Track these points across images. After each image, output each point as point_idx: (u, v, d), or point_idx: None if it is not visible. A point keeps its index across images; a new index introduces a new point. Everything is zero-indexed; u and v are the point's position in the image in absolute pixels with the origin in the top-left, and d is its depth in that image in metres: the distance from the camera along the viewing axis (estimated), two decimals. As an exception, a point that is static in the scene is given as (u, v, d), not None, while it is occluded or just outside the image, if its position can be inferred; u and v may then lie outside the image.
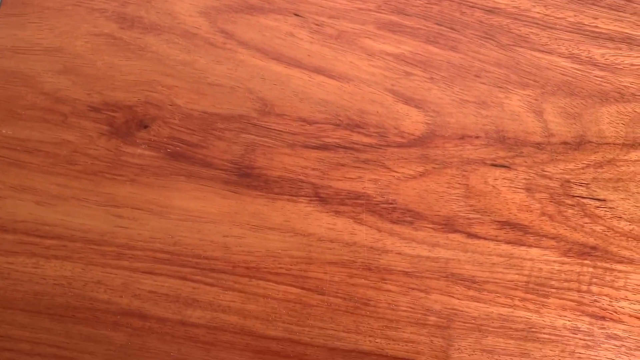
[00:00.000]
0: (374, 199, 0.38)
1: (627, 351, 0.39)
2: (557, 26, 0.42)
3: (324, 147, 0.38)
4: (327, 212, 0.38)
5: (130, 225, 0.36)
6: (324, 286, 0.37)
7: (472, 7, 0.41)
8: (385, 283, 0.38)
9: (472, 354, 0.38)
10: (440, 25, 0.40)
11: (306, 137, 0.38)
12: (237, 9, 0.39)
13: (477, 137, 0.40)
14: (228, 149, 0.37)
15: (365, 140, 0.39)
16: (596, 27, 0.42)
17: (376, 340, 0.35)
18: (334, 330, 0.37)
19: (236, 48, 0.38)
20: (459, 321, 0.38)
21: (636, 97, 0.41)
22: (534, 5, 0.42)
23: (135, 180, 0.37)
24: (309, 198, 0.37)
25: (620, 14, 0.43)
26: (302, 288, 0.37)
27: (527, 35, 0.41)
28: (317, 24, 0.39)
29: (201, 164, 0.37)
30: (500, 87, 0.40)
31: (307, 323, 0.36)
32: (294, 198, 0.37)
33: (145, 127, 0.37)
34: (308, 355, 0.36)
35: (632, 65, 0.42)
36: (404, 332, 0.37)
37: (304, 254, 0.37)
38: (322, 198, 0.38)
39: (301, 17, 0.39)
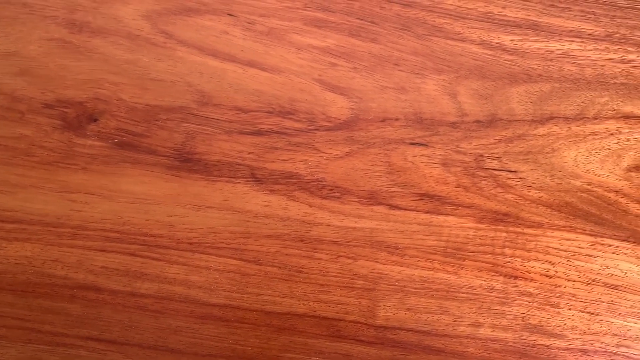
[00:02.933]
0: (305, 178, 0.47)
1: (539, 306, 0.48)
2: (469, 16, 0.51)
3: (258, 133, 0.48)
4: (263, 191, 0.47)
5: (84, 208, 0.45)
6: (261, 257, 0.46)
7: (390, 2, 0.51)
8: (317, 252, 0.47)
9: (397, 313, 0.47)
10: (362, 19, 0.50)
11: (242, 125, 0.47)
12: (175, 11, 0.48)
13: (397, 119, 0.49)
14: (170, 137, 0.46)
15: (296, 125, 0.48)
16: (505, 15, 0.52)
17: (309, 303, 0.45)
18: (270, 296, 0.46)
19: (175, 46, 0.48)
20: (384, 284, 0.47)
21: (542, 77, 0.51)
22: None
23: (87, 169, 0.46)
24: (245, 179, 0.47)
25: (527, 3, 0.52)
26: (241, 259, 0.46)
27: (441, 26, 0.51)
28: (249, 22, 0.49)
29: (146, 152, 0.46)
30: (417, 74, 0.50)
31: (245, 290, 0.45)
32: (232, 179, 0.47)
33: (95, 120, 0.46)
34: (247, 319, 0.45)
35: (539, 49, 0.51)
36: (334, 295, 0.46)
37: (242, 229, 0.46)
38: (258, 179, 0.47)
39: (234, 16, 0.49)
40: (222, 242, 0.44)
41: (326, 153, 0.47)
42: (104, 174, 0.45)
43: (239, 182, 0.46)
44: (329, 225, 0.47)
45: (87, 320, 0.43)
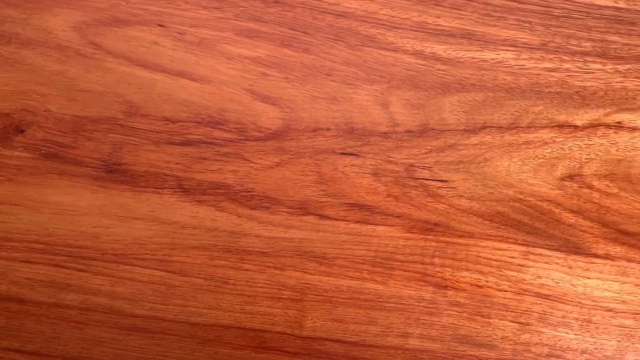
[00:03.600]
0: (234, 188, 0.49)
1: (468, 316, 0.49)
2: (403, 26, 0.53)
3: (187, 143, 0.49)
4: (190, 202, 0.48)
5: (8, 219, 0.46)
6: (187, 268, 0.47)
7: (324, 12, 0.52)
8: (244, 263, 0.48)
9: (324, 324, 0.48)
10: (294, 30, 0.51)
11: (170, 135, 0.49)
12: (105, 22, 0.50)
13: (328, 130, 0.50)
14: (97, 148, 0.48)
15: (226, 135, 0.49)
16: (439, 25, 0.53)
17: (235, 315, 0.47)
18: (195, 307, 0.47)
19: (104, 57, 0.49)
20: (312, 294, 0.48)
21: (476, 87, 0.52)
22: (381, 8, 0.53)
23: (13, 180, 0.47)
24: (172, 190, 0.48)
25: (462, 12, 0.54)
26: (166, 271, 0.47)
27: (374, 36, 0.52)
28: (179, 33, 0.50)
29: (72, 163, 0.47)
30: (349, 84, 0.51)
31: (170, 302, 0.47)
32: (159, 190, 0.48)
33: (22, 131, 0.47)
34: (171, 330, 0.46)
35: (473, 58, 0.53)
36: (260, 306, 0.47)
37: (168, 240, 0.47)
38: (186, 189, 0.48)
39: (165, 27, 0.50)
40: (148, 253, 0.45)
41: (256, 163, 0.48)
42: (30, 185, 0.46)
43: (166, 193, 0.47)
44: (257, 236, 0.48)
45: (9, 331, 0.44)
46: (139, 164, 0.47)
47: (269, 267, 0.47)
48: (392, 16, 0.51)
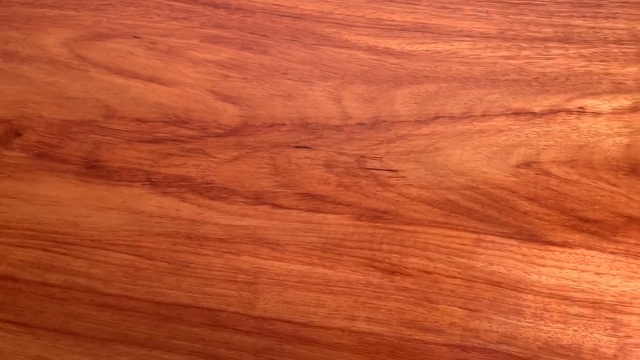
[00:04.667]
0: (196, 181, 0.72)
1: (416, 301, 0.67)
2: (357, 23, 0.74)
3: (155, 141, 0.73)
4: (157, 194, 0.72)
5: (7, 210, 0.73)
6: (153, 253, 0.71)
7: (282, 15, 0.74)
8: (203, 249, 0.70)
9: (275, 305, 0.69)
10: (254, 33, 0.74)
11: (141, 134, 0.73)
12: (89, 37, 0.76)
13: (283, 125, 0.72)
14: (80, 147, 0.73)
15: (190, 133, 0.73)
16: (393, 20, 0.73)
17: (194, 295, 0.69)
18: (159, 288, 0.70)
19: (88, 68, 0.75)
20: (264, 278, 0.69)
21: (429, 78, 0.71)
22: (336, 8, 0.74)
23: (12, 176, 0.74)
24: (142, 183, 0.72)
25: (416, 6, 0.74)
26: (135, 255, 0.70)
27: (329, 35, 0.74)
28: (151, 43, 0.75)
29: (59, 161, 0.73)
30: (305, 81, 0.73)
31: (138, 283, 0.70)
32: (130, 184, 0.72)
33: (20, 135, 0.75)
34: (138, 308, 0.69)
35: (427, 50, 0.72)
36: (217, 288, 0.69)
37: (137, 228, 0.71)
38: (153, 182, 0.72)
39: (139, 38, 0.76)
40: (119, 240, 0.64)
41: (216, 157, 0.72)
42: (25, 180, 0.73)
43: (136, 186, 0.72)
44: (216, 224, 0.68)
45: (6, 306, 0.71)
46: (114, 160, 0.73)
47: (226, 252, 0.69)
48: (346, 15, 0.73)
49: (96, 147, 0.66)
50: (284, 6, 0.66)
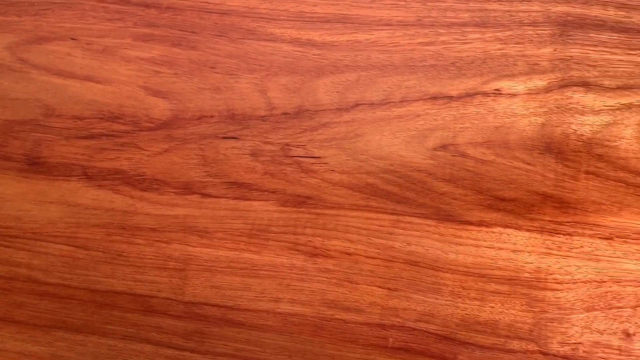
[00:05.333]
0: (129, 173, 0.77)
1: (337, 282, 0.71)
2: (281, 17, 0.78)
3: (91, 137, 0.79)
4: (92, 187, 0.77)
5: (-45, 207, 0.80)
6: (89, 243, 0.76)
7: (209, 12, 0.79)
8: (136, 238, 0.75)
9: (204, 290, 0.73)
10: (183, 30, 0.79)
11: (78, 131, 0.79)
12: (30, 41, 0.82)
13: (211, 117, 0.77)
14: (22, 145, 0.79)
15: (123, 128, 0.78)
16: (315, 12, 0.78)
17: (127, 283, 0.74)
18: (95, 276, 0.75)
19: (30, 70, 0.81)
20: (194, 264, 0.74)
21: (349, 67, 0.75)
22: (261, 3, 0.79)
23: (-40, 175, 0.81)
24: (78, 177, 0.77)
25: None
26: (73, 246, 0.76)
27: (254, 29, 0.78)
28: (87, 43, 0.81)
29: (3, 159, 0.79)
30: (232, 75, 0.78)
31: (75, 272, 0.75)
32: (68, 178, 0.78)
33: (-33, 135, 0.81)
34: (76, 296, 0.75)
35: (348, 40, 0.76)
36: (149, 275, 0.74)
37: (74, 220, 0.76)
38: (89, 176, 0.78)
39: (76, 40, 0.81)
40: (58, 232, 0.69)
41: (148, 150, 0.76)
42: (-29, 178, 0.79)
43: (73, 180, 0.77)
44: (147, 214, 0.75)
45: (-48, 298, 0.77)
46: (53, 156, 0.78)
47: (157, 241, 0.75)
48: (271, 9, 0.78)
49: (37, 145, 0.71)
50: (211, 3, 0.71)
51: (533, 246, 0.62)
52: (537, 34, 0.65)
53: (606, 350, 0.61)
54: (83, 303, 0.68)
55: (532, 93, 0.64)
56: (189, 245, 0.67)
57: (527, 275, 0.62)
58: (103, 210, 0.68)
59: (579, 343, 0.61)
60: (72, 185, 0.69)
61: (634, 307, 0.61)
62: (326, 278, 0.65)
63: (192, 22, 0.71)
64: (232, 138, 0.68)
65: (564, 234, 0.62)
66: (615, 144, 0.62)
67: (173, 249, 0.67)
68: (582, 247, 0.62)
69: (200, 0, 0.71)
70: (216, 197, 0.67)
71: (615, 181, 0.62)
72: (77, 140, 0.70)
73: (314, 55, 0.69)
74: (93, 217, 0.69)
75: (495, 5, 0.66)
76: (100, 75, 0.71)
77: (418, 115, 0.66)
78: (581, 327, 0.62)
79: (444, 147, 0.65)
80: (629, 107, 0.63)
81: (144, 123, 0.69)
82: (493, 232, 0.63)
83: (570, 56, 0.64)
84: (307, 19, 0.70)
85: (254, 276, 0.65)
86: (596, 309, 0.62)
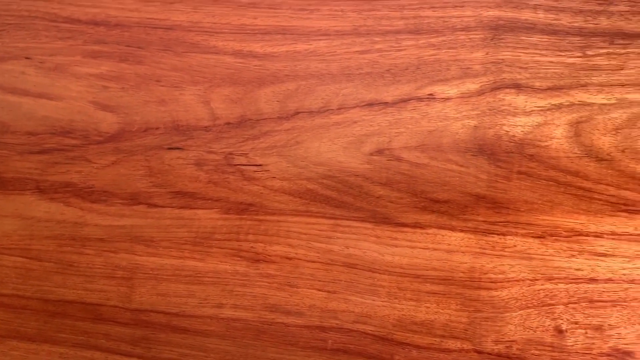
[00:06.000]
0: (79, 186, 0.81)
1: (278, 286, 0.74)
2: (224, 30, 0.82)
3: (43, 152, 0.83)
4: (45, 200, 0.82)
5: None
6: (42, 255, 0.80)
7: (155, 27, 0.84)
8: (86, 248, 0.79)
9: (150, 298, 0.77)
10: (130, 46, 0.84)
11: (31, 146, 0.83)
12: None
13: (157, 129, 0.81)
14: None
15: (73, 142, 0.83)
16: (256, 25, 0.82)
17: (78, 292, 0.78)
18: (47, 287, 0.80)
19: None
20: (140, 273, 0.78)
21: (289, 77, 0.79)
22: (205, 17, 0.83)
23: None
24: (32, 191, 0.82)
25: (277, 10, 0.82)
26: (26, 257, 0.80)
27: (198, 42, 0.82)
28: (40, 62, 0.86)
29: None
30: (176, 87, 0.82)
31: (29, 282, 0.80)
32: (22, 192, 0.82)
33: None
34: (29, 305, 0.79)
35: (287, 51, 0.80)
36: (98, 284, 0.78)
37: (27, 232, 0.81)
38: (41, 189, 0.82)
39: (30, 58, 0.86)
40: (13, 244, 0.74)
41: (96, 163, 0.81)
42: None
43: (27, 194, 0.81)
44: (96, 225, 0.79)
45: None
46: (7, 172, 0.83)
47: (105, 251, 0.79)
48: (214, 23, 0.82)
49: (-8, 161, 0.76)
50: (157, 19, 0.76)
51: (467, 246, 0.66)
52: (469, 39, 0.68)
53: (539, 347, 0.64)
54: (36, 313, 0.72)
55: (464, 96, 0.67)
56: (135, 254, 0.71)
57: (461, 275, 0.66)
58: (55, 222, 0.73)
59: (513, 341, 0.64)
60: (26, 199, 0.74)
61: (565, 304, 0.64)
62: (268, 283, 0.68)
63: (138, 38, 0.75)
64: (177, 149, 0.72)
65: (497, 234, 0.66)
66: (547, 143, 0.65)
67: (121, 258, 0.71)
68: (515, 246, 0.65)
69: (146, 17, 0.75)
70: (161, 206, 0.71)
71: (546, 180, 0.65)
72: (30, 155, 0.75)
73: (255, 66, 0.73)
74: (45, 229, 0.73)
75: (428, 12, 0.70)
76: (53, 92, 0.76)
77: (355, 122, 0.69)
78: (515, 325, 0.65)
79: (379, 151, 0.68)
80: (559, 107, 0.66)
81: (93, 137, 0.74)
82: (428, 234, 0.67)
83: (502, 59, 0.67)
84: (248, 31, 0.74)
85: (198, 283, 0.69)
86: (529, 307, 0.65)
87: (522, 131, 0.65)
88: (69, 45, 0.76)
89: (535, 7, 0.67)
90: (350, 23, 0.71)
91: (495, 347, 0.63)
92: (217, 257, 0.69)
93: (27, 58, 0.76)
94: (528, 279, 0.64)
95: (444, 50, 0.69)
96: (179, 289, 0.69)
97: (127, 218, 0.71)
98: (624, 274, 0.63)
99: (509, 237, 0.64)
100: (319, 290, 0.67)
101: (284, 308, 0.67)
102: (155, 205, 0.71)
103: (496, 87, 0.66)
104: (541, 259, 0.64)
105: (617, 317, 0.63)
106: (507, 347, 0.63)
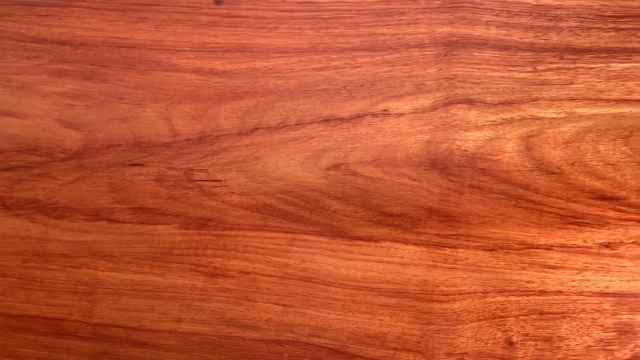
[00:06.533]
0: (43, 202, 0.85)
1: (236, 300, 0.77)
2: (185, 48, 0.86)
3: (9, 169, 0.87)
4: (10, 216, 0.85)
5: None
6: (5, 270, 0.84)
7: (119, 46, 0.87)
8: (49, 264, 0.83)
9: (111, 312, 0.80)
10: (95, 65, 0.88)
11: None
12: None
13: (119, 145, 0.85)
14: None
15: (38, 159, 0.86)
16: (217, 43, 0.85)
17: (41, 307, 0.81)
18: (11, 302, 0.83)
19: None
20: (102, 288, 0.81)
21: (248, 94, 0.83)
22: (167, 36, 0.87)
23: None
24: None
25: (237, 29, 0.85)
26: None
27: (160, 60, 0.86)
28: (7, 81, 0.90)
29: None
30: (139, 104, 0.85)
31: None
32: None
33: None
34: None
35: (247, 68, 0.83)
36: (60, 299, 0.81)
37: None
38: (7, 206, 0.86)
39: None
40: None
41: (60, 180, 0.84)
42: None
43: None
44: (59, 241, 0.83)
45: None
46: (-26, 189, 0.86)
47: (68, 266, 0.82)
48: (175, 41, 0.86)
49: (-41, 178, 0.79)
50: (120, 38, 0.79)
51: (420, 259, 0.68)
52: (423, 55, 0.71)
53: (490, 359, 0.67)
54: (0, 328, 0.75)
55: (418, 112, 0.70)
56: (97, 269, 0.74)
57: (414, 288, 0.68)
58: (19, 238, 0.76)
59: (465, 353, 0.67)
60: (-9, 216, 0.77)
61: (516, 317, 0.67)
62: (225, 297, 0.71)
63: (103, 57, 0.79)
64: (138, 165, 0.76)
65: (449, 247, 0.68)
66: (498, 157, 0.68)
67: (83, 273, 0.74)
68: (466, 259, 0.68)
69: (110, 36, 0.79)
70: (122, 222, 0.74)
71: (497, 194, 0.68)
72: (-4, 172, 0.78)
73: (215, 83, 0.76)
74: (10, 245, 0.77)
75: (383, 30, 0.73)
76: (19, 110, 0.79)
77: (312, 137, 0.72)
78: (466, 337, 0.67)
79: (336, 166, 0.71)
80: (510, 121, 0.69)
81: (57, 154, 0.77)
82: (382, 247, 0.69)
83: (455, 75, 0.70)
84: (209, 49, 0.77)
85: (157, 298, 0.72)
86: (481, 319, 0.67)
87: (474, 145, 0.68)
88: (35, 64, 0.79)
89: (488, 24, 0.70)
90: (308, 41, 0.74)
91: None
92: (176, 272, 0.72)
93: (-6, 77, 0.80)
94: (479, 292, 0.66)
95: (398, 67, 0.71)
96: (138, 304, 0.72)
97: (90, 234, 0.74)
98: (573, 286, 0.65)
99: (460, 250, 0.67)
100: (276, 304, 0.70)
101: (241, 322, 0.70)
102: (117, 221, 0.74)
103: (449, 103, 0.69)
104: (492, 272, 0.67)
105: (566, 328, 0.65)
106: (459, 359, 0.66)
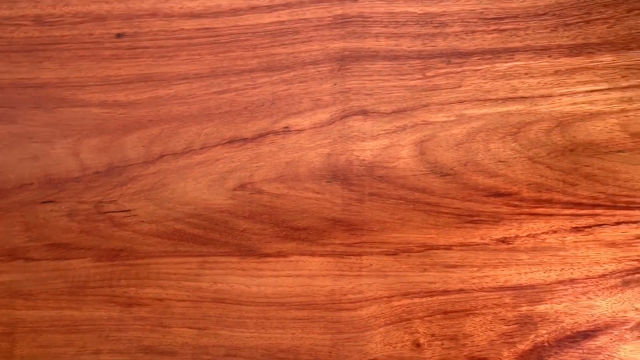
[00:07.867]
0: None
1: (152, 328, 0.84)
2: (89, 83, 0.93)
3: None
4: None
5: None
6: None
7: (26, 87, 0.95)
8: None
9: (31, 350, 0.86)
10: (3, 107, 0.94)
11: None
12: None
13: (31, 184, 0.92)
14: None
15: None
16: (120, 75, 0.92)
17: None
18: None
19: None
20: (20, 327, 0.87)
21: (152, 122, 0.89)
22: (72, 73, 0.93)
23: None
24: None
25: (139, 59, 0.93)
26: None
27: (66, 97, 0.93)
28: None
29: None
30: (48, 142, 0.92)
31: None
32: None
33: None
34: None
35: (150, 97, 0.89)
36: None
37: None
38: None
39: None
40: None
41: None
42: None
43: None
44: None
45: None
46: None
47: None
48: (80, 77, 0.92)
49: None
50: (27, 78, 0.86)
51: (327, 270, 0.75)
52: (318, 71, 0.78)
53: (400, 362, 0.73)
54: None
55: (317, 126, 0.77)
56: (15, 309, 0.80)
57: (323, 298, 0.75)
58: (-63, 285, 0.82)
59: (375, 359, 0.74)
60: None
61: (421, 318, 0.73)
62: (141, 325, 0.77)
63: (11, 98, 0.86)
64: (50, 202, 0.82)
65: (354, 255, 0.75)
66: (394, 164, 0.75)
67: (1, 314, 0.81)
68: (371, 265, 0.74)
69: (17, 77, 0.86)
70: (38, 259, 0.81)
71: (396, 199, 0.75)
72: None
73: (120, 114, 0.83)
74: None
75: (279, 49, 0.80)
76: None
77: (217, 160, 0.79)
78: (376, 343, 0.74)
79: (242, 186, 0.78)
80: (403, 128, 0.76)
81: (-30, 198, 0.84)
82: (290, 261, 0.76)
83: (349, 88, 0.77)
84: (112, 82, 0.84)
85: (75, 332, 0.79)
86: (388, 324, 0.74)
87: (371, 154, 0.74)
88: (-56, 112, 0.86)
89: (377, 36, 0.77)
90: (208, 65, 0.80)
91: (358, 366, 0.72)
92: (92, 305, 0.78)
93: None
94: (385, 297, 0.73)
95: (295, 85, 0.78)
96: (57, 339, 0.79)
97: (6, 274, 0.81)
98: (474, 283, 0.72)
99: (364, 257, 0.74)
100: (190, 327, 0.76)
101: (158, 349, 0.77)
102: (32, 259, 0.80)
103: (345, 115, 0.76)
104: (396, 276, 0.73)
105: (470, 325, 0.72)
106: (370, 365, 0.72)
